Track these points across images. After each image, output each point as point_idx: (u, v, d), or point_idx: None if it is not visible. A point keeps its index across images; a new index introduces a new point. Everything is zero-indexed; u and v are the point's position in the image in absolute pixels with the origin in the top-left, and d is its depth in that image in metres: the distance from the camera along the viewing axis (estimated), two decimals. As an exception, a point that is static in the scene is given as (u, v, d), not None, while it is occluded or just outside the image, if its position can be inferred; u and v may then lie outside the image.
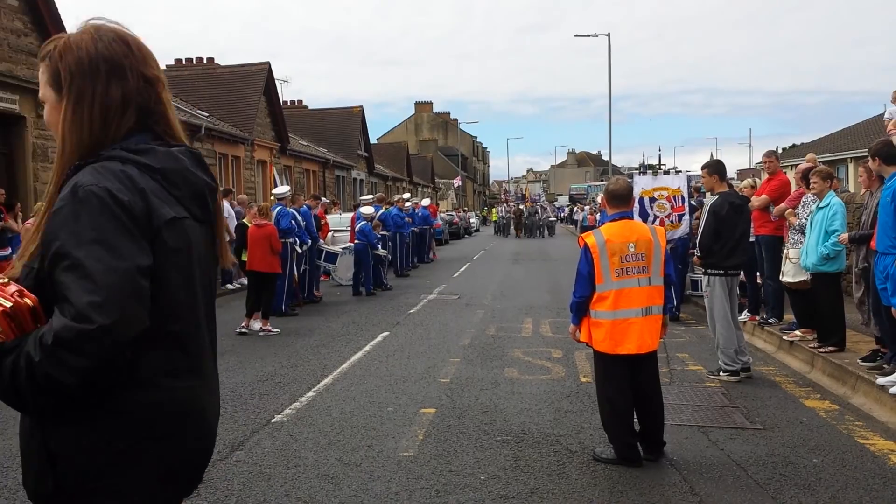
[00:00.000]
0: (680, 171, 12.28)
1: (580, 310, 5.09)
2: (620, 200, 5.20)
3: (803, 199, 8.19)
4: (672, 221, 11.27)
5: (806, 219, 7.90)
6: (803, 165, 8.97)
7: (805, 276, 7.85)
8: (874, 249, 6.37)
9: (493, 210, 56.72)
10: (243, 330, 10.57)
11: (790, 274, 8.15)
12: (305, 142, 31.89)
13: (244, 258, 11.83)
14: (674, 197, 11.43)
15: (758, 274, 9.63)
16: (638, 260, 4.96)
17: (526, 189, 58.51)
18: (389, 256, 17.42)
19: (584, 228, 33.49)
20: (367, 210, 15.98)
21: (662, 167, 51.20)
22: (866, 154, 7.09)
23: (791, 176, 10.95)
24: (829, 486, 4.56)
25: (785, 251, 8.43)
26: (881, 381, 6.16)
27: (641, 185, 11.51)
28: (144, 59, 1.81)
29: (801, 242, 7.97)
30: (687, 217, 11.44)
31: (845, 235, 7.20)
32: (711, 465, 4.93)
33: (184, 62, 26.56)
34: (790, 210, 8.34)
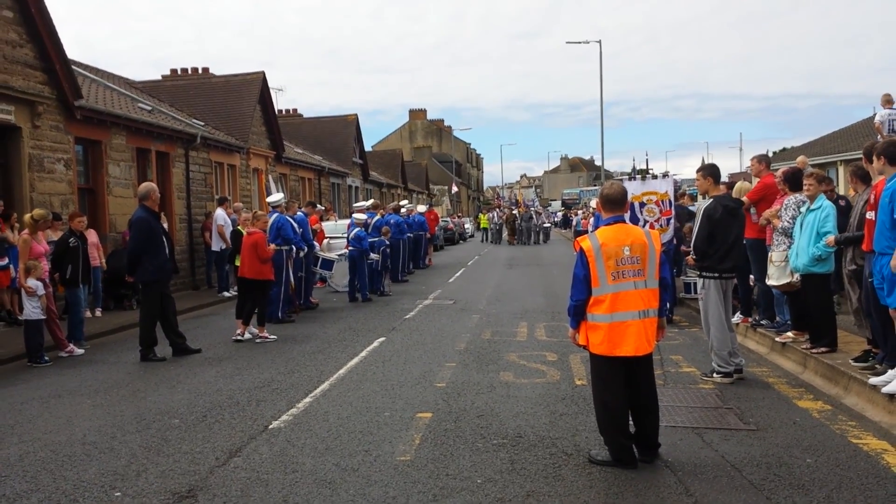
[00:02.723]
0: (667, 175, 12.31)
1: (578, 313, 5.12)
2: (615, 204, 5.24)
3: (785, 201, 8.19)
4: (661, 225, 11.33)
5: (789, 222, 7.96)
6: (782, 169, 8.98)
7: (790, 279, 7.89)
8: (867, 250, 6.39)
9: (483, 216, 50.65)
10: (239, 337, 10.59)
11: (775, 277, 8.19)
12: (301, 150, 31.92)
13: (237, 263, 11.89)
14: (662, 201, 11.49)
15: (750, 276, 9.68)
16: (633, 263, 5.00)
17: (519, 194, 57.84)
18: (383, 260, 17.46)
19: (578, 233, 33.54)
20: (359, 217, 16.07)
21: (651, 171, 51.13)
22: (857, 157, 7.09)
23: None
24: (822, 485, 4.60)
25: (769, 255, 8.45)
26: (873, 380, 6.20)
27: (631, 189, 11.55)
28: None
29: (783, 244, 8.02)
30: (673, 220, 11.51)
31: (832, 238, 7.25)
32: (706, 467, 4.97)
33: (179, 72, 26.61)
34: (772, 212, 8.36)
